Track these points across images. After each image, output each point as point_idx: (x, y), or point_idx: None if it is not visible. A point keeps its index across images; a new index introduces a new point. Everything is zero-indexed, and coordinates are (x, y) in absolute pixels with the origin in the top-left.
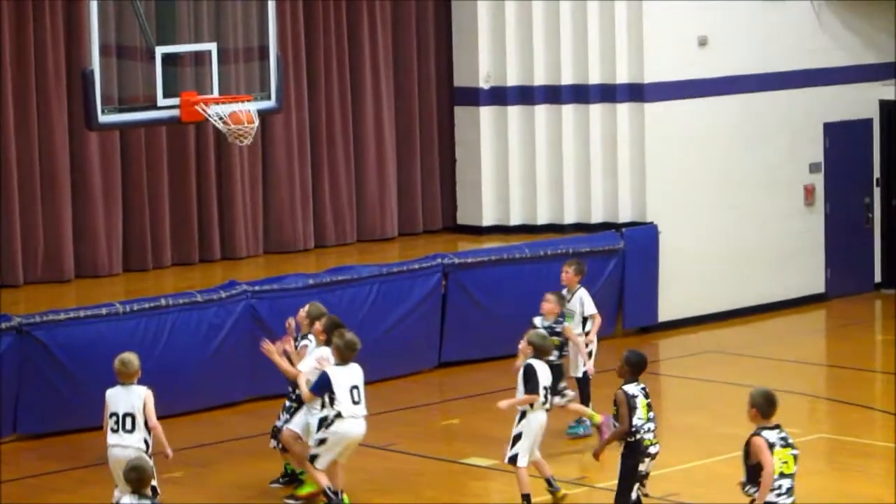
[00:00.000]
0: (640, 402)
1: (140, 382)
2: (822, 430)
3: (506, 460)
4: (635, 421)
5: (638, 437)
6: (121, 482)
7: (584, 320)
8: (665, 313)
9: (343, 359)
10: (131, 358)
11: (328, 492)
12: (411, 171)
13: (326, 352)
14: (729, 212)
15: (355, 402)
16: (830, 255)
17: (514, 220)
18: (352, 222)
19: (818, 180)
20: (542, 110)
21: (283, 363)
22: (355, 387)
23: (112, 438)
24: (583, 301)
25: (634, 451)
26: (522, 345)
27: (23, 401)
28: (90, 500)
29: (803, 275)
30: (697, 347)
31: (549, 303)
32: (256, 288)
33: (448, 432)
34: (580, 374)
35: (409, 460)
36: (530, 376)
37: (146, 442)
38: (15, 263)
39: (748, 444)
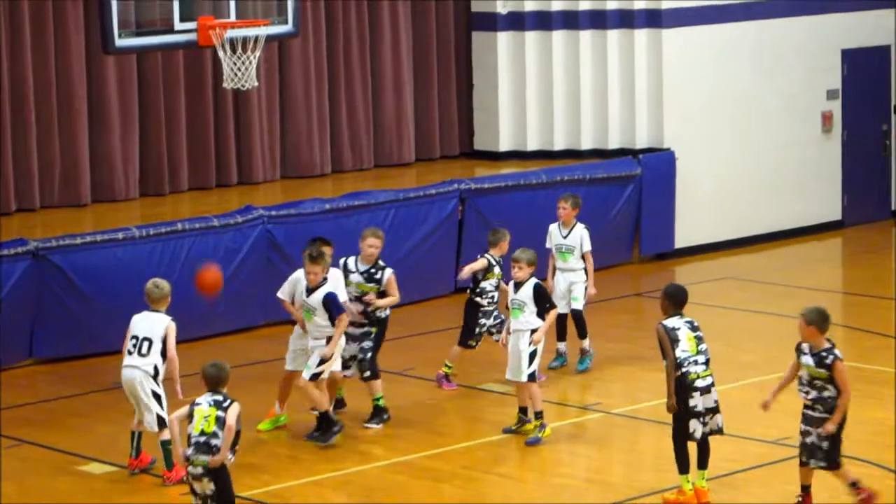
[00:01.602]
0: (685, 334)
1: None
2: None
3: (523, 378)
4: (678, 354)
5: (682, 370)
6: (131, 404)
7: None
8: (682, 240)
9: None
10: (164, 283)
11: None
12: (428, 97)
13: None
14: (746, 138)
15: None
16: (847, 182)
17: (531, 146)
18: (369, 147)
19: (836, 107)
20: (559, 36)
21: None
22: None
23: (126, 359)
24: (583, 237)
25: (681, 386)
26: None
27: (39, 325)
28: (107, 424)
29: (820, 202)
30: (713, 274)
31: (566, 208)
32: (273, 213)
33: (464, 358)
34: (580, 307)
35: (426, 385)
36: (544, 294)
37: (156, 368)
38: (31, 188)
39: (832, 368)
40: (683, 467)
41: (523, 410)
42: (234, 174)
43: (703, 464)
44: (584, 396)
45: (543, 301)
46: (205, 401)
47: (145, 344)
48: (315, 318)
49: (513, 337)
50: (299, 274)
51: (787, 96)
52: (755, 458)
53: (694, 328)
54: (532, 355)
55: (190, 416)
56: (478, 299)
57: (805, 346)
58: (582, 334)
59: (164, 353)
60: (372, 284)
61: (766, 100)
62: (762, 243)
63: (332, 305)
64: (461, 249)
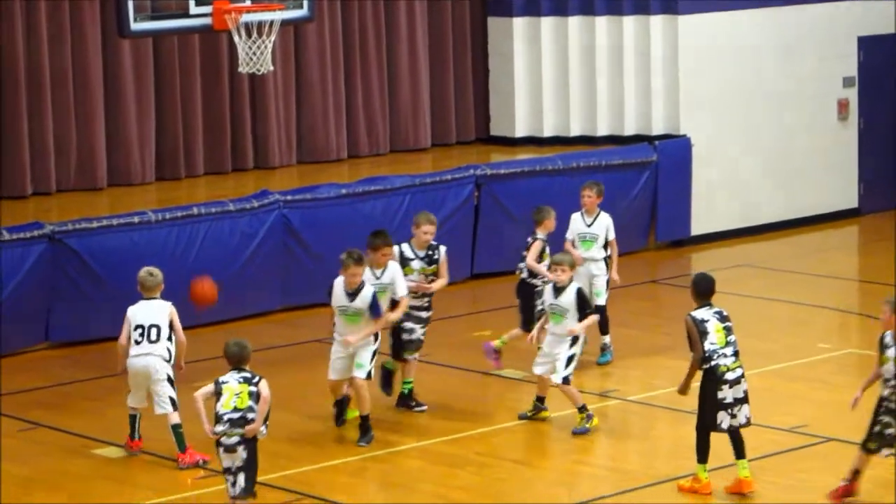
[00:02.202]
0: (714, 326)
1: (170, 292)
2: (852, 346)
3: (558, 380)
4: (707, 346)
5: (712, 363)
6: (138, 392)
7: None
8: (698, 227)
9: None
10: (157, 270)
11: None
12: (444, 82)
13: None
14: (762, 125)
15: None
16: (863, 170)
17: (547, 132)
18: (385, 132)
19: (852, 95)
20: (575, 21)
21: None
22: None
23: (135, 349)
24: (608, 226)
25: (710, 378)
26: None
27: (54, 309)
28: (121, 407)
29: (836, 190)
30: (729, 261)
31: (591, 196)
32: (289, 197)
33: (480, 344)
34: (603, 303)
35: (441, 371)
36: (586, 299)
37: (169, 352)
38: (48, 171)
39: None
40: (703, 457)
41: (540, 399)
42: (250, 158)
43: (740, 454)
44: (601, 384)
45: (585, 307)
46: (232, 378)
47: (153, 331)
48: (359, 321)
49: (550, 339)
50: (340, 280)
51: (804, 83)
52: (772, 446)
53: (723, 319)
54: (570, 359)
55: (217, 395)
56: (532, 280)
57: (889, 338)
58: (604, 330)
59: (169, 338)
60: (433, 266)
61: (782, 87)
62: (778, 231)
63: (376, 298)
64: (477, 235)
